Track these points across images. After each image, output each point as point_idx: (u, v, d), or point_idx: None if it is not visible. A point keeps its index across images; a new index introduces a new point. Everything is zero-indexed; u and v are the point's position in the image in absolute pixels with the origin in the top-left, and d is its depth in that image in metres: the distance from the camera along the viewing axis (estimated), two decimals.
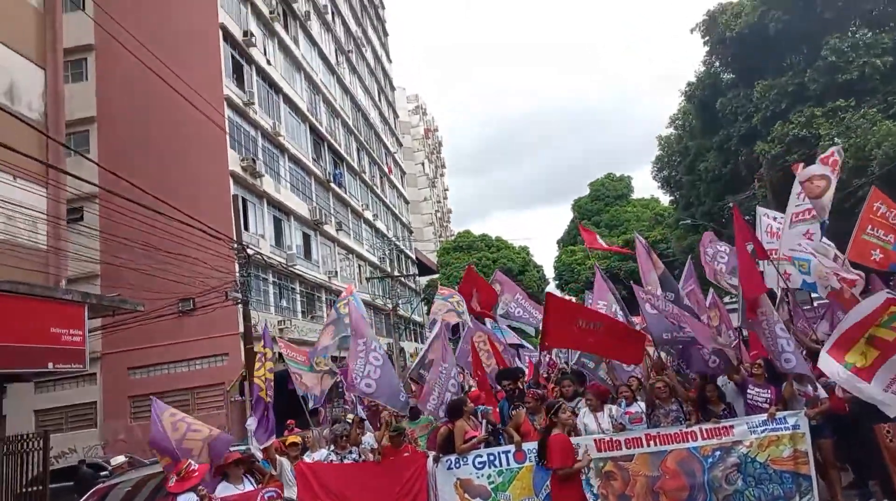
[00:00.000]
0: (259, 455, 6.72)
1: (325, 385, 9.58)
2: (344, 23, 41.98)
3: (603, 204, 60.09)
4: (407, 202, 58.40)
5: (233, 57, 24.09)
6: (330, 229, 31.47)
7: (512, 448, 6.57)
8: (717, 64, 28.39)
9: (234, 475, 5.86)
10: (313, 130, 31.91)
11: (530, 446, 6.37)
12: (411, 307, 48.04)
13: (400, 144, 59.40)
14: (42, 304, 8.60)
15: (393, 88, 59.46)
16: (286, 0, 30.19)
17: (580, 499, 5.60)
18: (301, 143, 29.94)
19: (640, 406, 7.06)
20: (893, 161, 17.08)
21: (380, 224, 44.19)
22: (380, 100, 51.80)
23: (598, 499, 6.38)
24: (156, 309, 15.14)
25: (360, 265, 37.79)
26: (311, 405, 9.25)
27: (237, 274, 16.92)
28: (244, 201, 22.54)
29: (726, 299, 12.54)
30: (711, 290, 11.35)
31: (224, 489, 5.74)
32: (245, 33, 24.58)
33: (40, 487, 10.80)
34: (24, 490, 10.03)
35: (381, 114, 51.45)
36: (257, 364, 8.20)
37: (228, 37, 23.66)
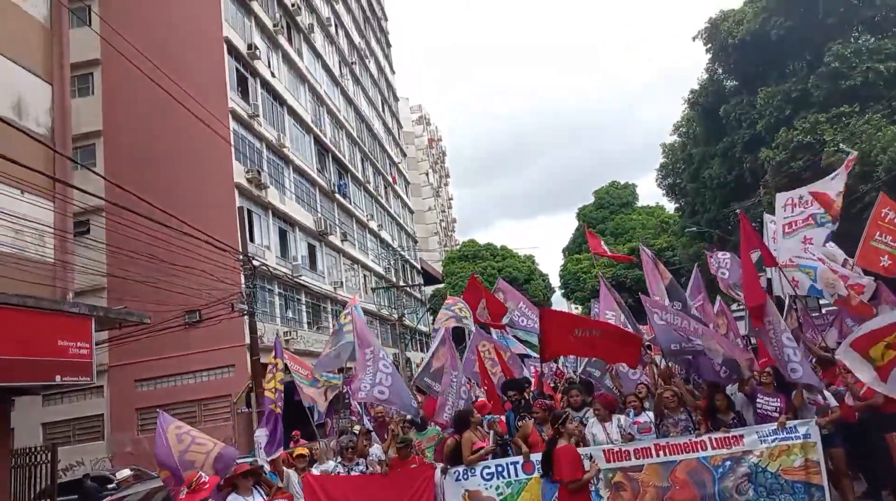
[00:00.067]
0: (266, 467, 6.70)
1: (327, 397, 9.58)
2: (347, 35, 42.28)
3: (608, 212, 59.97)
4: (411, 212, 58.50)
5: (237, 70, 24.27)
6: (335, 239, 31.53)
7: (520, 458, 6.52)
8: (720, 71, 28.43)
9: (244, 487, 5.84)
10: (318, 142, 32.06)
11: (538, 457, 6.33)
12: (417, 318, 47.98)
13: (404, 155, 59.59)
14: (49, 317, 8.63)
15: (396, 99, 59.75)
16: (290, 13, 30.44)
17: None
18: (306, 154, 30.07)
19: (648, 416, 7.02)
20: None
21: (385, 234, 44.26)
22: (383, 111, 52.04)
23: None
24: (162, 321, 15.17)
25: (365, 276, 37.81)
26: (315, 417, 9.24)
27: (243, 286, 16.94)
28: (249, 212, 22.63)
29: (734, 307, 12.47)
30: (718, 298, 11.30)
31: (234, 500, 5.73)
32: (249, 46, 24.78)
33: (48, 500, 10.81)
34: None
35: (384, 124, 51.67)
36: (268, 375, 8.20)
37: (233, 50, 23.85)
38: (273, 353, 9.40)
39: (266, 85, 26.35)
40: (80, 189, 10.45)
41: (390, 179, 50.07)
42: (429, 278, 56.76)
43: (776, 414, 6.52)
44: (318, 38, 34.67)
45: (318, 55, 34.38)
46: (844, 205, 9.36)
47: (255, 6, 26.24)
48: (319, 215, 29.87)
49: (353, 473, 6.88)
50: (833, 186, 8.73)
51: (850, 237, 8.99)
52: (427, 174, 73.51)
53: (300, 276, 25.73)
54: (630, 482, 6.40)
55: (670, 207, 46.47)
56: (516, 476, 6.47)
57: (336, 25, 39.38)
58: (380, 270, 40.98)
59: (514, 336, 13.20)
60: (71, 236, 10.74)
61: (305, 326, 26.71)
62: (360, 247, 37.41)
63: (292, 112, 28.82)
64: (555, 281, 62.70)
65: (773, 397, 6.71)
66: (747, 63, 25.97)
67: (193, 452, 5.82)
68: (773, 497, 6.18)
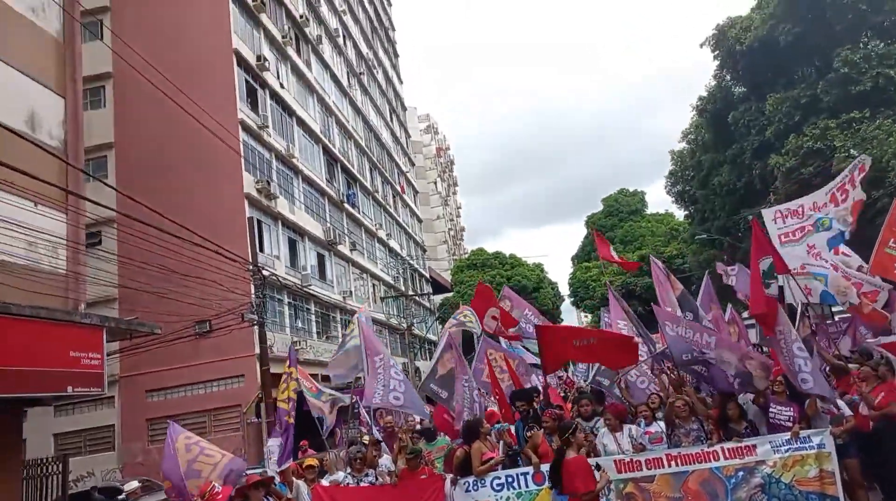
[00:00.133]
0: (277, 478, 6.70)
1: (333, 409, 9.59)
2: (355, 45, 42.58)
3: (617, 219, 59.80)
4: (420, 221, 58.59)
5: (247, 81, 24.49)
6: (344, 249, 31.62)
7: (530, 469, 6.48)
8: (728, 77, 28.39)
9: (255, 497, 5.85)
10: (326, 152, 32.23)
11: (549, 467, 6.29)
12: (426, 327, 47.93)
13: (412, 164, 59.77)
14: (61, 328, 8.69)
15: (404, 108, 60.02)
16: (298, 25, 30.71)
17: None
18: (314, 164, 30.23)
19: (659, 426, 6.96)
20: None
21: (393, 243, 44.33)
22: (391, 120, 52.28)
23: None
24: (173, 332, 15.24)
25: (374, 285, 37.85)
26: (323, 429, 9.24)
27: (253, 296, 17.01)
28: (259, 222, 22.74)
29: (744, 315, 12.38)
30: (730, 306, 11.22)
31: None
32: (258, 58, 25.01)
33: None
34: None
35: (392, 134, 51.89)
36: (282, 385, 8.22)
37: (242, 62, 24.08)
38: (287, 362, 9.44)
39: (275, 96, 26.56)
40: (92, 201, 10.55)
41: (399, 189, 50.22)
42: (437, 287, 56.74)
43: (789, 424, 6.44)
44: (326, 49, 34.95)
45: (326, 66, 34.63)
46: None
47: (264, 18, 26.50)
48: (328, 224, 29.99)
49: (362, 484, 6.86)
50: (854, 194, 8.68)
51: (863, 243, 8.91)
52: (435, 183, 73.66)
53: (309, 285, 25.80)
54: (641, 492, 6.34)
55: (680, 214, 46.35)
56: (526, 486, 6.43)
57: (344, 36, 39.69)
58: (389, 279, 41.02)
59: (524, 346, 13.15)
60: (83, 248, 10.83)
61: (315, 335, 26.74)
62: (369, 256, 37.48)
63: (301, 123, 29.01)
64: (564, 289, 62.56)
65: (786, 406, 6.63)
66: (755, 69, 25.91)
67: (201, 462, 5.85)
68: None
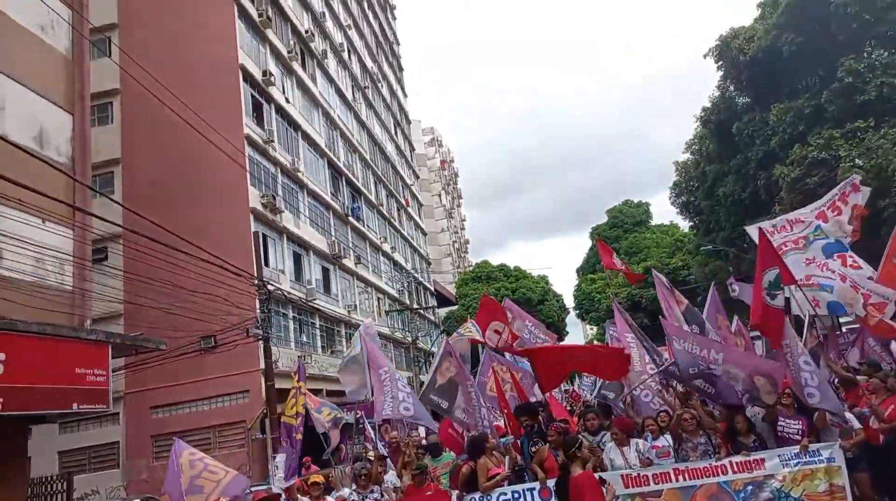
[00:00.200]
0: (283, 495, 6.67)
1: (336, 432, 9.55)
2: (360, 60, 42.93)
3: (622, 231, 59.68)
4: (424, 234, 58.66)
5: (252, 96, 24.69)
6: (349, 262, 31.66)
7: (537, 484, 6.42)
8: (732, 88, 28.42)
9: None
10: (331, 166, 32.39)
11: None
12: (431, 340, 47.81)
13: (416, 177, 59.97)
14: (67, 344, 8.69)
15: (409, 121, 60.34)
16: (303, 40, 31.00)
17: None
18: (319, 178, 30.37)
19: (667, 440, 6.89)
20: None
21: (398, 257, 44.36)
22: (396, 133, 52.55)
23: None
24: (178, 347, 15.25)
25: (379, 298, 37.83)
26: (327, 445, 9.20)
27: (258, 310, 17.02)
28: (264, 237, 22.82)
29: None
30: (735, 317, 11.15)
31: None
32: (264, 73, 25.23)
33: None
34: None
35: (397, 147, 52.12)
36: (290, 399, 8.20)
37: (248, 77, 24.29)
38: (296, 377, 9.43)
39: (280, 110, 26.76)
40: (99, 217, 10.62)
41: (403, 202, 50.34)
42: (442, 300, 56.66)
43: (798, 437, 6.36)
44: (331, 63, 35.24)
45: (331, 80, 34.90)
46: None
47: (270, 34, 26.77)
48: (333, 238, 30.05)
49: None
50: (849, 207, 8.66)
51: (871, 255, 8.86)
52: (440, 196, 73.84)
53: (314, 300, 25.81)
54: None
55: (684, 225, 46.20)
56: None
57: (349, 51, 40.03)
58: (393, 292, 41.01)
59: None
60: (90, 264, 10.87)
61: (320, 350, 26.71)
62: (374, 270, 37.50)
63: (306, 137, 29.19)
64: (569, 302, 62.37)
65: (795, 419, 6.55)
66: (759, 80, 25.95)
67: (204, 479, 5.84)
68: None
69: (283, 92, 27.45)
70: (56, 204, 9.04)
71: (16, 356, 7.77)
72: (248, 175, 22.34)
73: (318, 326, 27.18)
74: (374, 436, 9.67)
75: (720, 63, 27.53)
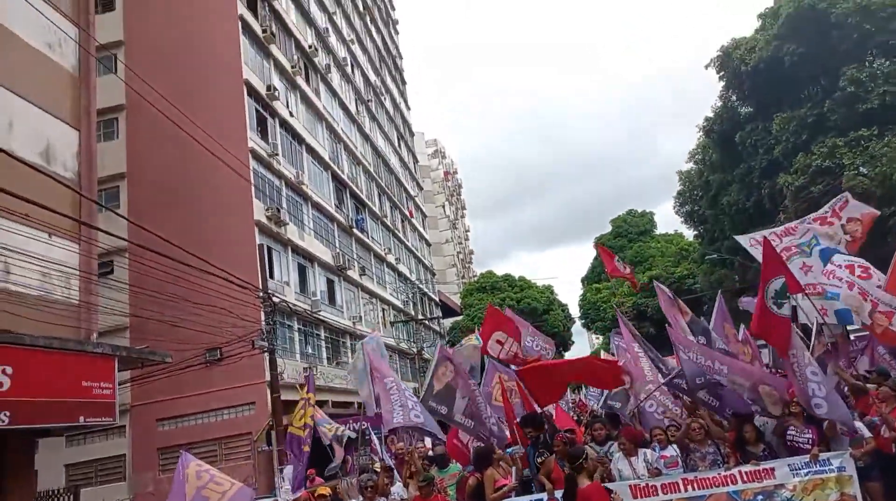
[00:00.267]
0: None
1: (341, 448, 9.53)
2: (363, 74, 43.24)
3: (626, 240, 59.63)
4: (429, 245, 58.71)
5: (257, 111, 24.87)
6: (353, 274, 31.69)
7: (544, 495, 6.37)
8: (734, 98, 28.52)
9: None
10: (335, 178, 32.53)
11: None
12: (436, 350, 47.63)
13: (420, 188, 60.14)
14: (74, 358, 8.72)
15: (412, 134, 60.62)
16: (307, 55, 31.26)
17: None
18: (324, 190, 30.49)
19: (675, 449, 6.85)
20: None
21: (402, 268, 44.38)
22: (399, 146, 52.78)
23: None
24: (184, 360, 15.27)
25: (383, 309, 37.81)
26: (333, 462, 9.17)
27: (263, 322, 17.03)
28: (269, 249, 22.89)
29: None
30: (742, 326, 11.10)
31: None
32: (268, 88, 25.43)
33: None
34: None
35: (401, 159, 52.34)
36: (298, 410, 8.19)
37: (253, 92, 24.49)
38: (305, 388, 9.42)
39: (285, 124, 26.94)
40: (104, 231, 10.68)
41: (407, 213, 50.45)
42: (447, 311, 56.59)
43: (808, 446, 6.32)
44: (334, 77, 35.50)
45: (334, 94, 35.14)
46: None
47: (274, 49, 27.01)
48: (338, 250, 30.11)
49: None
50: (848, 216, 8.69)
51: (878, 263, 8.84)
52: (443, 207, 74.00)
53: (319, 311, 25.82)
54: None
55: (689, 234, 46.16)
56: None
57: (352, 65, 40.33)
58: (398, 303, 40.99)
59: None
60: (96, 278, 10.93)
61: (325, 361, 26.68)
62: (379, 281, 37.52)
63: (310, 150, 29.35)
64: (574, 311, 62.22)
65: (804, 428, 6.51)
66: (761, 90, 26.04)
67: (210, 490, 5.83)
68: None
69: (287, 106, 27.65)
70: (62, 219, 9.11)
71: (23, 369, 7.80)
72: (252, 188, 22.45)
73: (323, 337, 27.17)
74: (379, 448, 9.64)
75: (722, 73, 27.64)
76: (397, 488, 7.54)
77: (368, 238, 36.50)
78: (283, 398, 17.10)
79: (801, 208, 20.49)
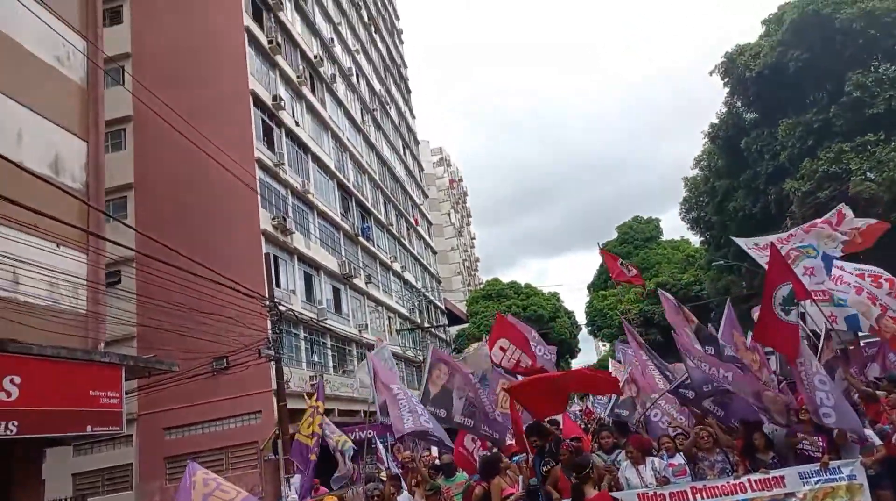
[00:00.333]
0: None
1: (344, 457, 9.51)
2: (368, 83, 43.46)
3: (632, 247, 59.48)
4: (434, 253, 58.73)
5: (263, 121, 25.02)
6: (359, 282, 31.72)
7: None
8: (739, 104, 28.49)
9: None
10: (341, 187, 32.64)
11: None
12: None
13: (426, 196, 60.24)
14: (81, 367, 8.76)
15: (417, 142, 60.80)
16: (313, 65, 31.47)
17: None
18: (329, 199, 30.60)
19: (683, 457, 6.80)
20: None
21: (408, 276, 44.40)
22: (405, 154, 52.94)
23: None
24: (190, 369, 15.30)
25: (389, 317, 37.81)
26: (337, 473, 9.15)
27: (269, 331, 17.06)
28: (276, 258, 22.95)
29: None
30: (750, 332, 11.02)
31: None
32: (274, 98, 25.60)
33: None
34: None
35: (406, 167, 52.48)
36: (307, 418, 8.18)
37: (259, 102, 24.65)
38: (314, 396, 9.42)
39: (290, 134, 27.08)
40: (112, 241, 10.75)
41: (413, 221, 50.53)
42: (453, 319, 56.50)
43: (818, 454, 6.26)
44: (340, 87, 35.70)
45: (340, 103, 35.33)
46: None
47: (280, 60, 27.21)
48: (344, 258, 30.17)
49: None
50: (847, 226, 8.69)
51: (888, 269, 8.79)
52: (449, 215, 74.07)
53: (325, 319, 25.84)
54: None
55: (695, 240, 46.00)
56: None
57: (357, 75, 40.54)
58: (404, 311, 40.98)
59: None
60: (103, 288, 10.99)
61: (331, 370, 26.67)
62: (384, 289, 37.54)
63: (316, 159, 29.48)
64: (581, 318, 62.02)
65: (814, 435, 6.45)
66: (766, 95, 26.01)
67: (216, 497, 5.82)
68: None
69: (293, 116, 27.81)
70: (70, 229, 9.18)
71: (31, 379, 7.84)
72: (258, 198, 22.55)
73: (329, 346, 27.17)
74: (385, 456, 9.62)
75: (726, 80, 27.63)
76: (404, 497, 7.52)
77: (374, 246, 36.56)
78: (289, 406, 17.09)
79: (808, 214, 20.39)
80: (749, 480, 6.15)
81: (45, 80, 10.54)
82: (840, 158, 20.68)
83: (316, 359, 25.85)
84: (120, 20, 25.43)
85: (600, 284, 60.08)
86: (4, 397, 7.42)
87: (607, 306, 54.55)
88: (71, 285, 10.04)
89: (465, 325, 56.42)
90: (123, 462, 21.22)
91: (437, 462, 8.75)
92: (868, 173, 19.12)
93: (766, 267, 8.38)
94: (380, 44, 49.97)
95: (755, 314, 10.31)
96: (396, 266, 41.02)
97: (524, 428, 8.23)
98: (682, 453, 6.84)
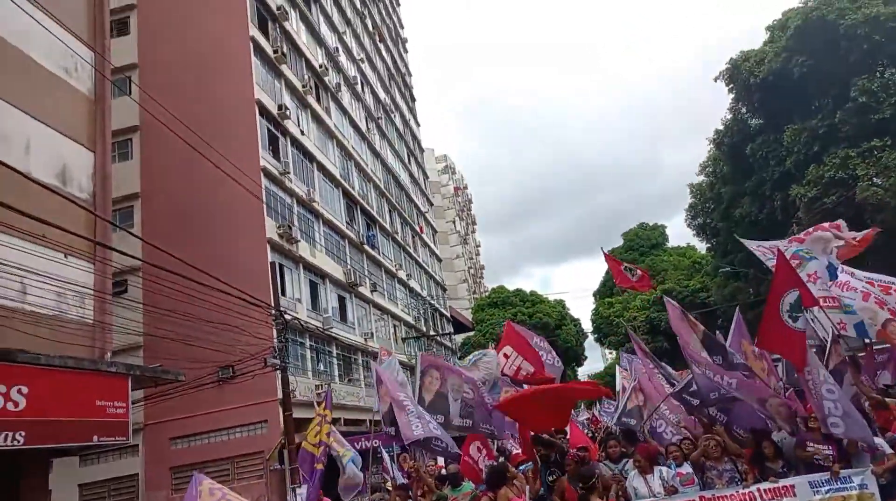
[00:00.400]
0: None
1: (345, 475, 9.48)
2: (373, 92, 43.65)
3: (637, 254, 59.34)
4: (440, 260, 58.72)
5: (268, 130, 25.15)
6: (365, 290, 31.73)
7: None
8: (744, 110, 28.46)
9: None
10: (346, 195, 32.72)
11: None
12: None
13: (431, 204, 60.31)
14: (88, 377, 8.78)
15: (422, 150, 60.94)
16: (318, 74, 31.64)
17: None
18: (335, 208, 30.67)
19: (691, 467, 6.74)
20: None
21: (413, 284, 44.38)
22: (409, 162, 53.06)
23: None
24: (196, 378, 15.30)
25: (395, 326, 37.77)
26: (341, 484, 9.12)
27: (275, 340, 17.06)
28: (281, 267, 23.00)
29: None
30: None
31: None
32: (280, 107, 25.73)
33: None
34: None
35: (411, 175, 52.59)
36: (314, 427, 8.16)
37: (264, 111, 24.78)
38: (323, 405, 9.40)
39: (296, 142, 27.20)
40: (119, 251, 10.80)
41: (418, 229, 50.57)
42: (459, 327, 56.38)
43: (829, 463, 6.19)
44: (345, 96, 35.86)
45: (345, 112, 35.48)
46: (883, 239, 9.17)
47: (285, 69, 27.37)
48: (349, 266, 30.20)
49: None
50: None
51: (891, 273, 8.73)
52: (454, 222, 74.10)
53: (331, 328, 25.83)
54: None
55: (701, 247, 45.85)
56: None
57: (362, 83, 40.74)
58: (410, 319, 40.94)
59: None
60: (110, 297, 11.03)
61: (337, 378, 26.63)
62: (390, 297, 37.52)
63: (321, 167, 29.58)
64: (587, 326, 61.79)
65: (824, 444, 6.38)
66: (771, 101, 25.97)
67: None
68: None
69: (299, 125, 27.94)
70: (78, 239, 9.24)
71: (38, 389, 7.86)
72: (264, 206, 22.63)
73: (335, 354, 27.15)
74: (390, 466, 9.57)
75: (731, 86, 27.62)
76: None
77: (379, 255, 36.59)
78: (295, 416, 17.06)
79: (815, 220, 20.31)
80: (759, 489, 6.09)
81: (53, 90, 10.63)
82: (846, 164, 20.61)
83: (322, 368, 25.83)
84: (127, 31, 25.66)
85: (606, 291, 59.89)
86: (12, 407, 7.44)
87: (613, 314, 54.33)
88: (78, 295, 10.08)
89: (471, 333, 56.30)
90: (129, 472, 21.19)
91: (442, 471, 8.71)
92: (874, 179, 19.04)
93: (773, 269, 8.36)
94: (384, 53, 50.22)
95: None
96: (402, 274, 41.02)
97: (531, 437, 8.20)
98: (689, 462, 6.78)
